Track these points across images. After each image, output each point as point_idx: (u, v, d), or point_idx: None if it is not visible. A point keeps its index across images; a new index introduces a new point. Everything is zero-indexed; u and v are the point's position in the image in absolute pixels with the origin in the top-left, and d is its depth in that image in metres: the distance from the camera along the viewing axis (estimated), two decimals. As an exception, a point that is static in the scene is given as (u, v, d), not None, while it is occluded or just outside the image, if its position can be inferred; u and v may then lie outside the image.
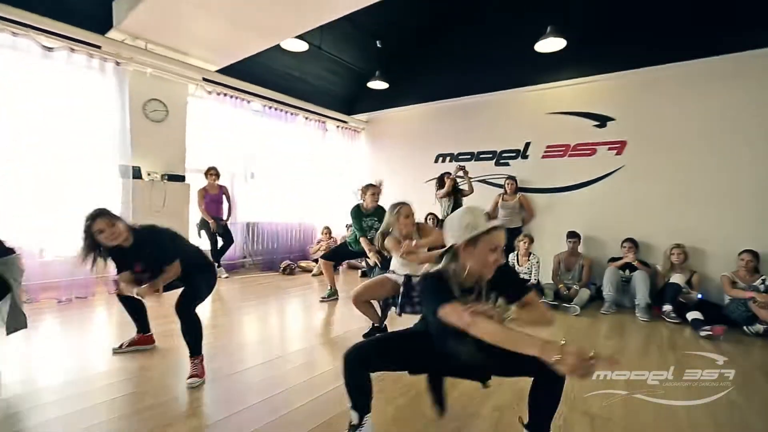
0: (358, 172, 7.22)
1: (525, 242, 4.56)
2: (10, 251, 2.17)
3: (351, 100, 7.07)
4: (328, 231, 6.07)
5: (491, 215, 5.27)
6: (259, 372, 2.25)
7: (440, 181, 5.13)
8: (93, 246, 2.11)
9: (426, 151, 6.35)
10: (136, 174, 4.29)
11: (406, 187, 6.33)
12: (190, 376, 2.06)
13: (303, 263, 5.77)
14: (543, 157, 5.21)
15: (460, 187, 5.17)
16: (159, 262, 2.22)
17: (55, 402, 1.83)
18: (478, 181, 5.75)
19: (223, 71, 5.03)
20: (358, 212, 3.66)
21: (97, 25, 3.89)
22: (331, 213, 6.68)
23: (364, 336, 2.82)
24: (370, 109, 6.91)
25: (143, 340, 2.51)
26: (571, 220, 4.89)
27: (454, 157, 6.04)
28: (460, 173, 5.06)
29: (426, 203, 5.50)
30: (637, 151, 4.56)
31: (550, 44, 4.27)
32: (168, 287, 2.29)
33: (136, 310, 2.50)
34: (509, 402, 1.91)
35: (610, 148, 4.71)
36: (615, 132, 4.68)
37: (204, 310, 3.08)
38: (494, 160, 5.65)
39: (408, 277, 2.56)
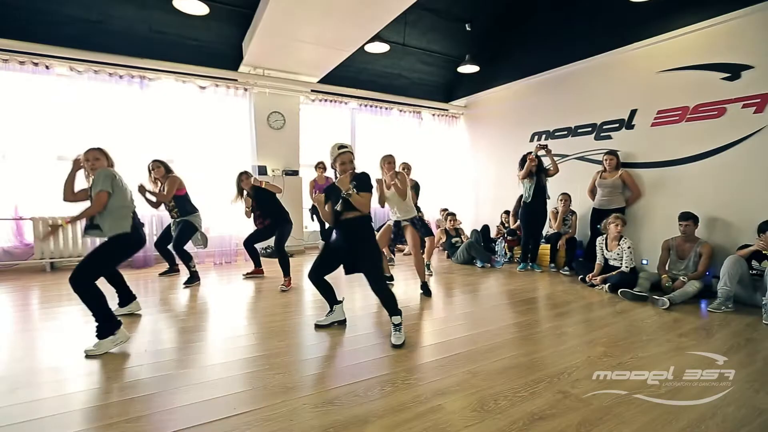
0: (457, 158, 7.36)
1: (616, 224, 4.04)
2: (196, 209, 4.16)
3: (449, 88, 7.21)
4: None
5: (589, 194, 4.80)
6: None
7: (523, 162, 4.92)
8: (239, 190, 4.09)
9: (521, 130, 6.04)
10: (263, 171, 5.62)
11: (502, 168, 6.22)
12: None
13: (401, 246, 6.39)
14: (653, 125, 4.39)
15: (545, 166, 4.84)
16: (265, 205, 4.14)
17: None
18: (576, 158, 5.23)
19: (326, 80, 5.96)
20: None
21: (232, 63, 5.28)
22: (426, 198, 7.04)
23: None
24: (466, 93, 6.92)
25: (258, 271, 4.40)
26: (689, 199, 4.04)
27: (550, 134, 5.59)
28: (542, 152, 4.74)
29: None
30: (788, 106, 3.45)
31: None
32: (266, 235, 4.21)
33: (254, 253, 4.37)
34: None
35: (745, 105, 3.68)
36: (752, 83, 3.63)
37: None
38: (594, 134, 5.02)
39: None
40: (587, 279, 4.18)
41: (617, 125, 4.75)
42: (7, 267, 4.60)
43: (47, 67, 4.39)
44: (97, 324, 2.39)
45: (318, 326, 2.86)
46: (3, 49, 4.16)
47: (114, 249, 2.57)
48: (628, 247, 3.95)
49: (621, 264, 3.99)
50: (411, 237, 3.75)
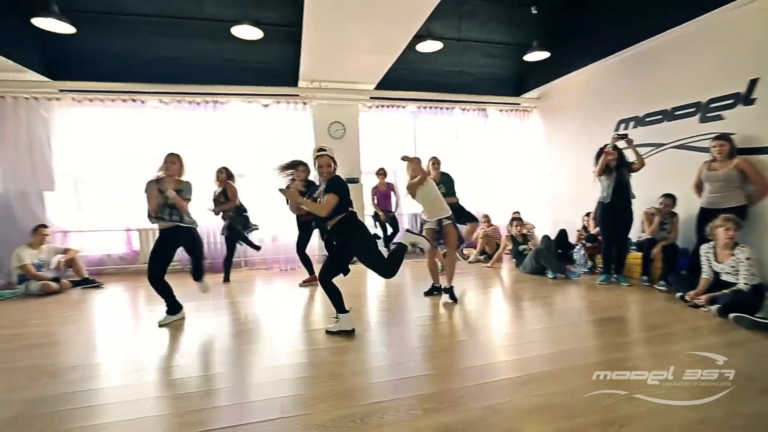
0: (530, 155, 6.69)
1: (727, 228, 3.16)
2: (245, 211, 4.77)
3: (519, 80, 6.58)
4: (487, 219, 6.01)
5: (695, 190, 3.88)
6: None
7: (599, 157, 4.19)
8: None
9: (605, 119, 5.18)
10: (323, 181, 5.80)
11: (583, 164, 5.41)
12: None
13: (465, 250, 6.00)
14: (783, 96, 3.35)
15: (630, 161, 4.05)
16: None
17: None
18: (675, 147, 4.28)
19: (382, 86, 5.91)
20: None
21: (292, 79, 5.56)
22: (493, 200, 6.55)
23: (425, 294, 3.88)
24: (538, 84, 6.22)
25: (312, 279, 4.47)
26: None
27: (639, 121, 4.68)
28: (622, 143, 3.97)
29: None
30: None
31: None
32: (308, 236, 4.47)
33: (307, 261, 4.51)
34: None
35: None
36: None
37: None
38: (698, 116, 4.03)
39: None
40: (687, 297, 3.34)
41: (731, 101, 3.74)
42: (121, 270, 5.51)
43: (143, 102, 5.19)
44: (167, 307, 3.25)
45: (328, 332, 2.90)
46: (112, 91, 5.04)
47: (156, 244, 3.23)
48: (747, 258, 3.04)
49: (737, 280, 3.10)
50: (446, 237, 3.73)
